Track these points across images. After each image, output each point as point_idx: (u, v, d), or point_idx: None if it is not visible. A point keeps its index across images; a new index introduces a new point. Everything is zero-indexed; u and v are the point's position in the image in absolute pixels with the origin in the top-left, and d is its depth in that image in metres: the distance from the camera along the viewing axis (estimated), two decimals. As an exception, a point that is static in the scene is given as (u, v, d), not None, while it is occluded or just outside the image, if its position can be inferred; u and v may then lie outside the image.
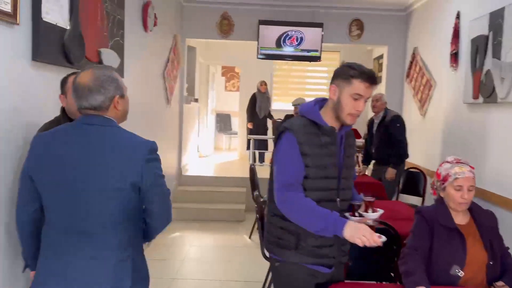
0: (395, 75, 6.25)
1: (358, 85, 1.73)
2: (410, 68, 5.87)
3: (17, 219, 1.61)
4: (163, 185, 1.58)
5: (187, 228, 5.27)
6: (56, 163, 1.49)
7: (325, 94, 9.34)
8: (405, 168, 4.75)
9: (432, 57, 5.19)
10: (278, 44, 6.06)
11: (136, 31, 3.94)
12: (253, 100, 7.35)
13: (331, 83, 1.83)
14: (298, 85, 9.13)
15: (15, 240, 1.76)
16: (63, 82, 2.02)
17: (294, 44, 6.06)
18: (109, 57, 3.05)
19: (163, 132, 5.23)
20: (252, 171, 5.13)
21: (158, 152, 1.60)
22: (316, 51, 6.04)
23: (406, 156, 4.55)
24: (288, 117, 5.57)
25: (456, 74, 4.43)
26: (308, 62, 7.19)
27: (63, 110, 2.05)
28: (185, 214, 5.59)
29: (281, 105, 8.98)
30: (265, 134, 7.33)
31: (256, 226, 5.12)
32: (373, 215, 1.79)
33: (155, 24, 4.43)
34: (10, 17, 1.94)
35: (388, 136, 4.46)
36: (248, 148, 7.42)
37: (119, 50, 3.30)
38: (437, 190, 1.99)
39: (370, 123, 4.77)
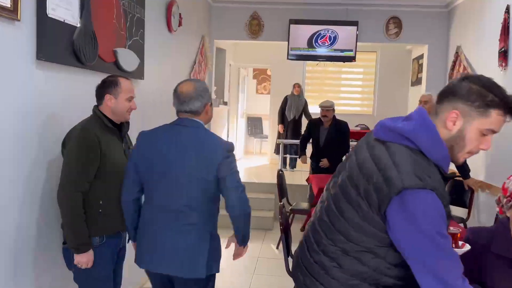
0: (436, 76, 5.82)
1: (496, 119, 1.25)
2: (453, 68, 5.44)
3: (123, 199, 1.98)
4: (237, 179, 1.93)
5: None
6: (157, 156, 1.88)
7: (360, 97, 8.97)
8: (452, 177, 4.39)
9: (478, 56, 4.76)
10: (310, 44, 5.78)
11: (159, 31, 3.79)
12: (284, 102, 7.14)
13: (447, 102, 1.28)
14: (332, 87, 8.80)
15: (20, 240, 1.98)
16: (114, 84, 2.07)
17: (326, 44, 5.76)
18: (126, 57, 2.90)
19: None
20: (280, 177, 4.89)
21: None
22: (351, 51, 5.71)
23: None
24: (312, 123, 5.23)
25: (506, 74, 4.01)
26: (342, 63, 6.88)
27: (97, 109, 2.08)
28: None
29: (313, 108, 8.68)
30: (297, 138, 7.05)
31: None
32: (459, 251, 1.47)
33: (180, 24, 4.27)
34: (10, 13, 1.80)
35: None
36: (275, 151, 7.17)
37: (139, 50, 3.15)
38: (503, 208, 1.63)
39: None
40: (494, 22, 4.30)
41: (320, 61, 5.92)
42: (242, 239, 2.05)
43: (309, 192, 5.30)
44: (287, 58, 5.87)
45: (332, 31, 5.74)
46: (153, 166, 1.89)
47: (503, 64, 4.00)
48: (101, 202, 2.00)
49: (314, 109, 8.61)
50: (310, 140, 5.20)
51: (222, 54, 7.16)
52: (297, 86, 6.96)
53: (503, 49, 3.99)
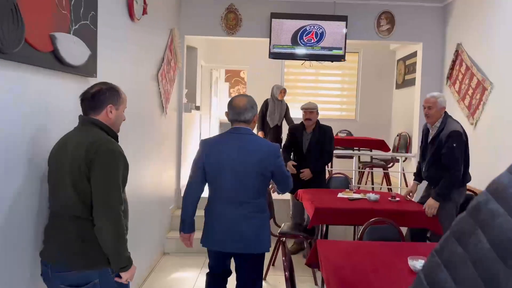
0: (432, 77, 5.30)
1: None
2: (452, 68, 4.93)
3: (188, 195, 2.51)
4: (285, 171, 2.47)
5: (189, 265, 4.32)
6: (223, 157, 2.37)
7: (341, 100, 8.41)
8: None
9: (486, 54, 4.25)
10: (294, 41, 5.13)
11: (117, 17, 3.01)
12: (264, 107, 6.43)
13: None
14: (312, 90, 8.19)
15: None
16: (117, 93, 1.98)
17: (313, 41, 5.13)
18: (70, 46, 2.12)
19: (158, 147, 4.29)
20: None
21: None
22: (340, 49, 5.10)
23: (461, 184, 3.49)
24: (294, 128, 4.56)
25: (527, 73, 3.49)
26: (322, 64, 6.28)
27: (98, 121, 1.90)
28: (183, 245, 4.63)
29: (293, 113, 8.04)
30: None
31: (272, 262, 4.16)
32: None
33: (144, 12, 3.50)
34: None
35: (439, 157, 3.43)
36: None
37: (89, 39, 2.37)
38: None
39: (426, 131, 3.70)
40: (505, 15, 3.80)
41: (305, 60, 5.27)
42: (283, 189, 2.59)
43: (292, 209, 4.60)
44: (269, 57, 5.19)
45: (318, 27, 5.11)
46: (223, 167, 2.35)
47: (524, 61, 3.47)
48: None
49: (294, 114, 8.01)
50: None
51: (193, 53, 6.40)
52: (283, 91, 6.24)
53: (523, 45, 3.47)
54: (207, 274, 2.64)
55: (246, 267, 2.48)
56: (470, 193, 3.93)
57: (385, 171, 6.02)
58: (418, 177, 3.80)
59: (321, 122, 4.48)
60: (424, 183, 3.78)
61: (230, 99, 2.51)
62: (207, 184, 2.49)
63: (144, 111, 3.76)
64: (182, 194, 5.45)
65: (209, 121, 7.81)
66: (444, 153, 3.38)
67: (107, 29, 2.71)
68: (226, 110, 2.49)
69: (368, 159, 6.45)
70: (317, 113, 4.37)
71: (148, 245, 4.07)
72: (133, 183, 3.18)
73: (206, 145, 2.46)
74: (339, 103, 8.35)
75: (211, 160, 2.39)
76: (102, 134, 1.86)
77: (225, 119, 8.84)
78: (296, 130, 4.46)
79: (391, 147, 6.62)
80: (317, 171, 4.35)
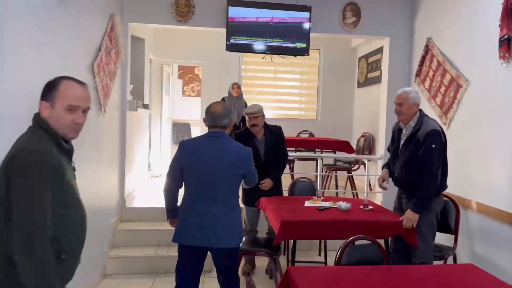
0: (400, 74, 4.98)
1: None
2: (422, 64, 4.62)
3: (168, 188, 2.69)
4: (254, 171, 2.73)
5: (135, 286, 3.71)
6: (200, 158, 2.56)
7: (299, 99, 8.03)
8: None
9: (460, 48, 3.94)
10: (254, 32, 4.62)
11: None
12: None
13: None
14: (269, 88, 7.73)
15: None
16: (52, 88, 1.58)
17: (274, 33, 4.64)
18: None
19: (94, 151, 3.62)
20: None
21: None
22: (303, 42, 4.66)
23: (437, 193, 3.14)
24: (242, 137, 3.87)
25: (509, 67, 3.18)
26: (282, 60, 5.84)
27: (38, 118, 1.58)
28: (131, 265, 4.00)
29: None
30: None
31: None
32: None
33: (74, -11, 2.86)
34: None
35: (415, 159, 3.05)
36: None
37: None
38: None
39: (397, 131, 3.30)
40: (483, 6, 3.51)
41: (266, 54, 4.77)
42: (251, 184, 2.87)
43: (248, 220, 4.03)
44: (226, 49, 4.64)
45: (280, 18, 4.63)
46: (199, 167, 2.55)
47: (506, 55, 3.16)
48: (62, 245, 1.58)
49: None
50: None
51: (140, 44, 5.74)
52: (236, 86, 5.76)
53: (505, 37, 3.16)
54: None
55: (223, 260, 2.68)
56: (447, 199, 3.62)
57: (349, 174, 5.65)
58: (387, 166, 3.41)
59: (281, 123, 4.01)
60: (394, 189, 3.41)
61: (207, 106, 2.72)
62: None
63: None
64: (126, 205, 4.87)
65: (160, 121, 7.13)
66: (421, 155, 3.01)
67: (22, 9, 2.06)
68: (204, 117, 2.71)
69: (331, 162, 6.07)
70: (263, 116, 3.78)
71: (84, 266, 3.40)
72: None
73: (184, 146, 2.65)
74: (300, 102, 7.95)
75: (189, 160, 2.58)
76: (29, 142, 1.52)
77: (178, 119, 8.14)
78: (246, 139, 3.68)
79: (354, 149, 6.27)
80: (276, 177, 3.86)
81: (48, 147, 1.53)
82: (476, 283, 2.03)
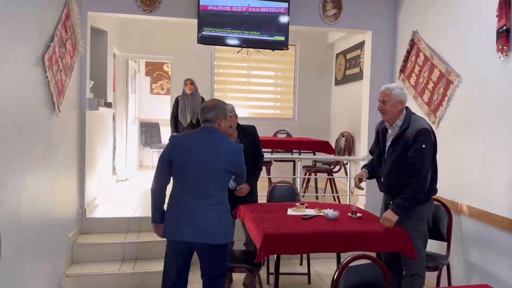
0: (382, 71, 4.71)
1: None
2: (407, 59, 4.36)
3: (157, 186, 2.57)
4: (244, 167, 2.68)
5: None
6: (191, 152, 2.50)
7: (273, 97, 7.67)
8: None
9: (450, 42, 3.69)
10: (228, 24, 4.23)
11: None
12: (175, 105, 5.49)
13: None
14: (243, 86, 7.35)
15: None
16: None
17: (250, 25, 4.26)
18: None
19: (47, 155, 3.14)
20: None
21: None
22: (282, 35, 4.30)
23: (427, 198, 2.86)
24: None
25: (508, 61, 2.93)
26: (258, 54, 5.47)
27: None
28: (93, 284, 3.54)
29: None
30: None
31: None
32: None
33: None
34: None
35: (404, 160, 2.76)
36: None
37: None
38: None
39: (382, 131, 2.98)
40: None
41: (242, 47, 4.39)
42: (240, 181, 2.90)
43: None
44: (198, 42, 4.22)
45: (257, 8, 4.26)
46: (190, 162, 2.48)
47: (505, 48, 2.91)
48: None
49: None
50: None
51: (102, 37, 5.23)
52: (189, 82, 5.36)
53: (504, 28, 2.90)
54: None
55: (208, 259, 2.55)
56: (438, 203, 3.36)
57: (330, 176, 5.35)
58: (368, 167, 3.09)
59: (256, 122, 3.67)
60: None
61: None
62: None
63: (21, 107, 2.62)
64: (87, 215, 4.38)
65: (125, 121, 6.61)
66: (410, 156, 2.71)
67: None
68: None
69: (310, 163, 5.76)
70: (236, 116, 3.42)
71: (35, 287, 2.93)
72: (8, 205, 2.33)
73: (175, 140, 2.59)
74: (275, 100, 7.61)
75: (179, 154, 2.51)
76: None
77: (146, 118, 7.54)
78: None
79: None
80: (252, 181, 3.48)
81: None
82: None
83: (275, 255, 3.01)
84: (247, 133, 3.49)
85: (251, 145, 3.44)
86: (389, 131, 2.88)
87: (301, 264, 4.26)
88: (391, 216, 2.75)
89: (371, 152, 3.17)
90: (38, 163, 2.93)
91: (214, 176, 2.50)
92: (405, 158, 2.75)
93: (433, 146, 2.79)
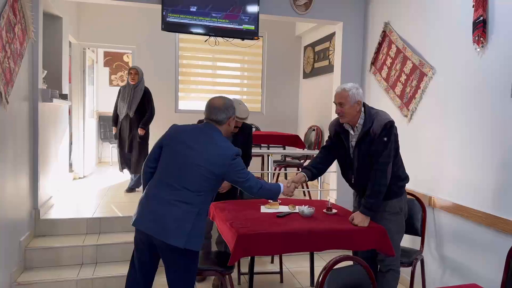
0: (353, 63, 4.63)
1: None
2: (378, 51, 4.28)
3: (144, 168, 2.50)
4: (245, 179, 2.42)
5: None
6: (180, 144, 2.39)
7: (240, 90, 7.49)
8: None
9: (422, 33, 3.63)
10: (196, 10, 3.98)
11: None
12: (118, 96, 5.17)
13: None
14: (208, 78, 7.10)
15: None
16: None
17: (219, 12, 4.03)
18: None
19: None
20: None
21: None
22: (252, 24, 4.10)
23: (400, 192, 2.80)
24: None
25: (484, 52, 2.89)
26: (223, 48, 5.26)
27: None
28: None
29: (185, 104, 6.93)
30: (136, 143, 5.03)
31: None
32: None
33: None
34: None
35: (371, 157, 2.67)
36: (121, 168, 5.19)
37: None
38: None
39: (342, 132, 2.83)
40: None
41: (210, 36, 4.15)
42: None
43: None
44: (162, 28, 3.94)
45: (224, -6, 4.04)
46: (174, 149, 2.39)
47: (481, 39, 2.86)
48: None
49: (185, 105, 6.88)
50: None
51: (56, 24, 4.83)
52: (133, 72, 4.92)
53: (480, 19, 2.85)
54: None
55: (167, 262, 2.37)
56: (411, 197, 3.30)
57: (300, 171, 5.23)
58: (309, 170, 2.96)
59: None
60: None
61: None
62: None
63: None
64: (40, 217, 4.03)
65: (82, 114, 6.20)
66: (374, 149, 2.62)
67: None
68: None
69: (279, 157, 5.62)
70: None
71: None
72: None
73: (172, 127, 2.52)
74: (242, 93, 7.41)
75: (169, 142, 2.44)
76: None
77: (104, 112, 7.13)
78: None
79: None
80: None
81: None
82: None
83: (251, 262, 2.85)
84: (243, 131, 3.41)
85: (244, 143, 3.35)
86: (351, 132, 2.76)
87: (272, 262, 4.13)
88: (364, 220, 2.67)
89: (324, 148, 3.03)
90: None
91: (194, 172, 2.31)
92: (372, 154, 2.65)
93: (396, 138, 2.70)
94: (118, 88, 5.23)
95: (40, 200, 3.87)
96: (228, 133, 2.53)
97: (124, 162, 5.13)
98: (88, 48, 6.39)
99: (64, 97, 4.64)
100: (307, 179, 2.93)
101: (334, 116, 2.88)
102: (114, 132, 5.22)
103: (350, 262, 2.13)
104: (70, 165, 5.84)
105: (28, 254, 3.50)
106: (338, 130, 2.84)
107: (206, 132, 2.42)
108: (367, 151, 2.67)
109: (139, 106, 4.94)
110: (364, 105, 2.72)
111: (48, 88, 4.18)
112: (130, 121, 4.97)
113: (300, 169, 5.31)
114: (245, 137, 3.43)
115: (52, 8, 4.54)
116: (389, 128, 2.62)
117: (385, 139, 2.60)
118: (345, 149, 2.81)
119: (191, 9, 3.89)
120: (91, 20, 6.24)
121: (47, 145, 4.15)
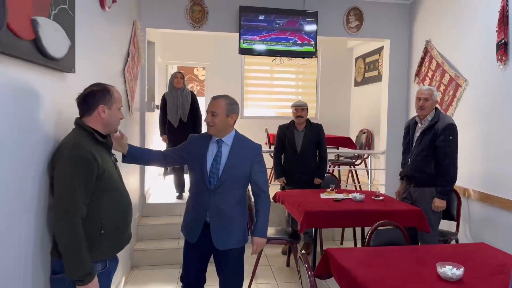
0: (399, 74, 5.34)
1: None
2: (421, 65, 4.98)
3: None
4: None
5: (162, 280, 3.95)
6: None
7: (294, 99, 8.31)
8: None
9: (457, 50, 4.31)
10: (265, 36, 4.91)
11: (89, 3, 2.60)
12: (162, 104, 5.01)
13: None
14: (269, 88, 8.01)
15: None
16: (106, 93, 1.95)
17: (284, 37, 4.93)
18: (52, 35, 1.73)
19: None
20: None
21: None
22: (311, 45, 4.96)
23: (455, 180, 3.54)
24: (283, 125, 4.47)
25: (506, 69, 3.55)
26: (277, 63, 6.13)
27: (82, 122, 1.90)
28: (156, 258, 4.25)
29: (252, 111, 7.85)
30: None
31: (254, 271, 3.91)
32: None
33: (114, 0, 3.09)
34: None
35: (433, 151, 3.43)
36: (165, 173, 5.75)
37: (68, 25, 1.97)
38: None
39: (412, 126, 3.67)
40: (480, 11, 3.87)
41: (276, 56, 5.06)
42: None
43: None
44: (239, 53, 4.92)
45: (289, 22, 4.93)
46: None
47: (503, 58, 3.53)
48: (103, 222, 1.88)
49: (252, 112, 7.80)
50: None
51: (151, 48, 5.95)
52: (179, 76, 4.89)
53: (502, 41, 3.52)
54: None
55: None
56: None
57: (353, 168, 6.00)
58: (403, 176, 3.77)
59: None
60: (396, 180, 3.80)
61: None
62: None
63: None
64: (147, 201, 5.11)
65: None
66: (441, 146, 3.38)
67: (81, 16, 2.31)
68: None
69: (333, 157, 6.40)
70: (307, 111, 4.44)
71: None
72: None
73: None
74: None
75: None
76: (74, 138, 1.83)
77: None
78: (287, 127, 4.42)
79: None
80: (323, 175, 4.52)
81: (84, 142, 1.80)
82: (492, 255, 2.37)
83: (315, 234, 3.70)
84: (313, 128, 4.40)
85: (314, 138, 4.35)
86: (419, 124, 3.55)
87: (342, 243, 4.88)
88: (440, 203, 3.44)
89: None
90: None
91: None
92: (433, 146, 3.42)
93: (457, 141, 3.45)
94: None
95: (145, 188, 4.95)
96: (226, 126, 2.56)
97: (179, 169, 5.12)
98: (169, 66, 7.53)
99: (158, 107, 5.74)
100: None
101: (384, 120, 3.62)
102: (164, 141, 5.11)
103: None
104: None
105: (139, 230, 4.57)
106: (410, 123, 3.70)
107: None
108: (428, 143, 3.44)
109: (190, 110, 4.95)
110: (436, 108, 3.54)
111: (149, 100, 5.27)
112: (184, 126, 4.91)
113: (350, 167, 6.06)
114: (316, 133, 4.37)
115: (150, 36, 5.66)
116: (451, 130, 3.38)
117: (451, 137, 3.38)
118: (411, 137, 3.64)
119: (259, 36, 4.83)
120: (172, 43, 7.36)
121: (149, 146, 5.23)
